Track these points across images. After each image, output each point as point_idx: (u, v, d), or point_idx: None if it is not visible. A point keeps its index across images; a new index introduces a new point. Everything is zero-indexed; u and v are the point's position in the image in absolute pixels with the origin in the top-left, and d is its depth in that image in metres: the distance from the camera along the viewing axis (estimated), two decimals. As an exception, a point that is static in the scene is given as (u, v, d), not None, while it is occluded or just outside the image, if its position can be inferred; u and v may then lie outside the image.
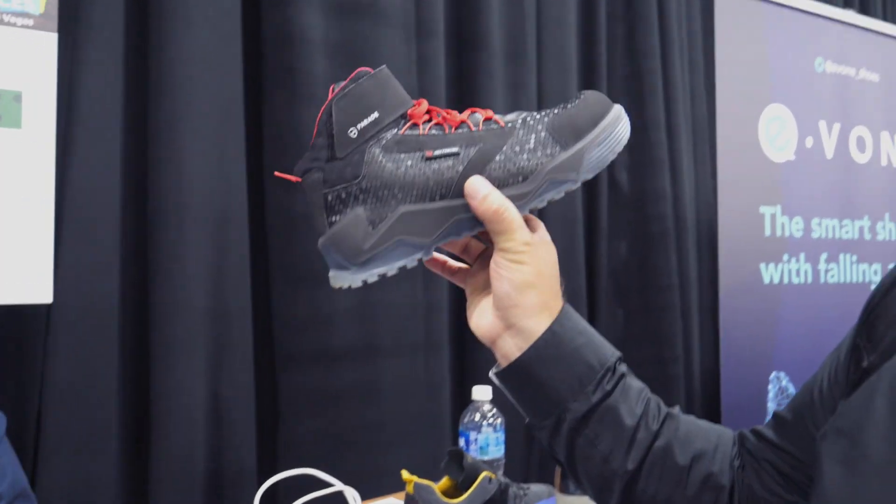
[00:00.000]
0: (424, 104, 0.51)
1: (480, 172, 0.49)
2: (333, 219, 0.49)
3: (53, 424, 0.92)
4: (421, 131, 0.50)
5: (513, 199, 0.48)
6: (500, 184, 0.49)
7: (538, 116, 0.50)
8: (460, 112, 0.52)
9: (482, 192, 0.47)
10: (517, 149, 0.49)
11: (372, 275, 0.49)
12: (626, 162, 1.59)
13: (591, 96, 0.51)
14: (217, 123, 1.05)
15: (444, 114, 0.51)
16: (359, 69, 0.49)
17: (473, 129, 0.50)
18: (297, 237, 1.11)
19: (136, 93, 1.02)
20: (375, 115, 0.49)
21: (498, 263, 0.48)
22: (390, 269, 0.49)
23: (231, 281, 1.05)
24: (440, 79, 1.24)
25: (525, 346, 0.48)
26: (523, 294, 0.48)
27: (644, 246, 1.63)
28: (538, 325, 0.48)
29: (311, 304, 1.11)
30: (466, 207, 0.49)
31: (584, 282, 1.50)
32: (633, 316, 1.63)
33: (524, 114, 0.51)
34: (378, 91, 0.50)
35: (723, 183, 1.50)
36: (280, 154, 1.11)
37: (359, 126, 0.49)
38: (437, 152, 0.49)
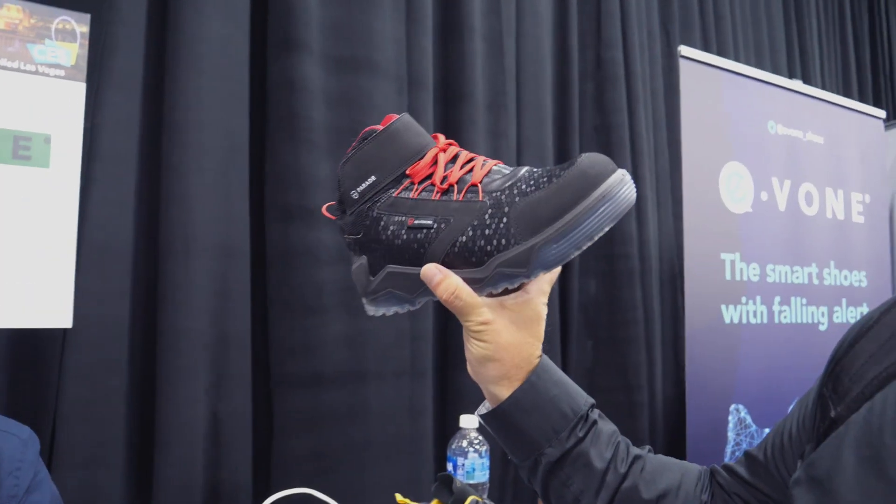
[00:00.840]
0: (429, 155, 0.50)
1: (446, 249, 0.48)
2: (353, 258, 0.52)
3: (66, 439, 0.96)
4: (412, 193, 0.50)
5: (469, 281, 0.48)
6: (459, 264, 0.48)
7: (515, 192, 0.47)
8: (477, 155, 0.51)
9: (434, 281, 0.47)
10: (479, 231, 0.47)
11: (379, 311, 0.51)
12: None
13: (586, 164, 0.46)
14: (223, 163, 1.09)
15: (443, 172, 0.50)
16: (366, 129, 0.50)
17: (456, 197, 0.49)
18: (293, 270, 1.14)
19: (150, 135, 1.07)
20: (372, 179, 0.50)
21: (464, 334, 0.49)
22: (388, 311, 0.51)
23: (232, 310, 1.08)
24: (429, 126, 1.31)
25: (495, 402, 0.50)
26: (483, 366, 0.49)
27: (612, 282, 1.67)
28: (500, 391, 0.49)
29: (305, 332, 1.15)
30: None
31: (558, 315, 1.54)
32: (601, 346, 1.67)
33: (510, 180, 0.48)
34: (379, 153, 0.50)
35: (688, 231, 1.57)
36: (281, 193, 1.15)
37: (359, 189, 0.50)
38: (417, 222, 0.49)
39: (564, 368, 1.38)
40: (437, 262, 0.48)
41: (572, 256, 0.45)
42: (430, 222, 0.48)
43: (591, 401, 0.51)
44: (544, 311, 0.49)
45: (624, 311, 1.67)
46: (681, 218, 1.60)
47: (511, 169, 0.49)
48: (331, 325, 1.15)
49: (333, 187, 0.85)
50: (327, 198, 0.85)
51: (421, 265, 0.48)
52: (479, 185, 0.48)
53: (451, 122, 1.37)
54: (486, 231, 0.47)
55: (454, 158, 0.51)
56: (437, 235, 0.48)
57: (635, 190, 0.45)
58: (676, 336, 1.76)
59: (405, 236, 0.49)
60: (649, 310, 1.71)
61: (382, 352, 1.21)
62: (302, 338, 1.14)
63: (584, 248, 0.45)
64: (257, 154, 1.16)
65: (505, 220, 0.46)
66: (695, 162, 1.59)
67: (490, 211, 0.47)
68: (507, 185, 0.48)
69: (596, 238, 0.44)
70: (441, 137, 0.52)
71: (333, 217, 0.52)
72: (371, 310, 0.51)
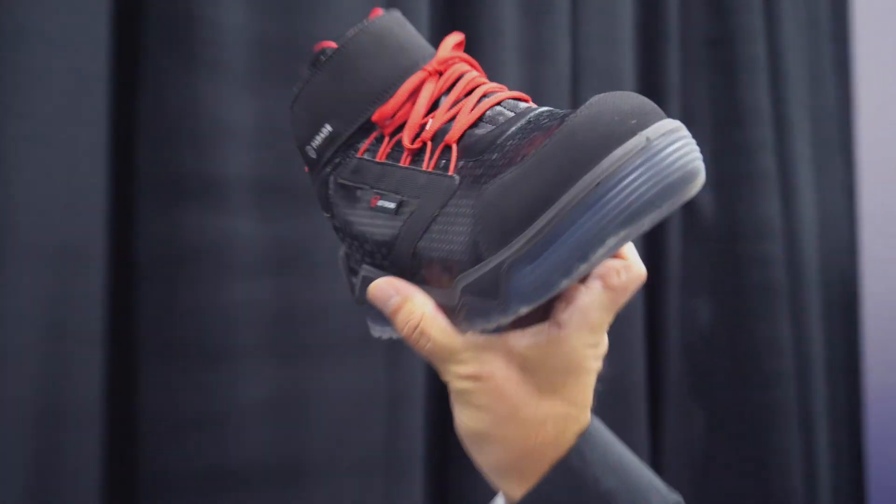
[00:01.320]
0: (406, 86, 0.45)
1: (412, 250, 0.42)
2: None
3: None
4: (380, 153, 0.46)
5: (443, 309, 0.42)
6: (430, 276, 0.42)
7: (494, 162, 0.39)
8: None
9: (389, 307, 0.43)
10: (442, 231, 0.41)
11: (385, 332, 0.48)
12: (709, 174, 1.46)
13: (583, 118, 0.36)
14: (63, 109, 0.92)
15: (420, 118, 0.44)
16: (319, 45, 0.47)
17: (427, 164, 0.43)
18: (184, 288, 0.97)
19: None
20: (328, 129, 0.47)
21: (454, 407, 0.44)
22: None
23: (71, 360, 0.90)
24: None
25: (509, 501, 0.43)
26: (478, 448, 0.43)
27: (739, 308, 1.48)
28: (510, 488, 0.42)
29: (205, 397, 0.98)
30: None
31: (643, 359, 1.34)
32: (720, 420, 1.48)
33: (498, 137, 0.41)
34: (336, 85, 0.46)
35: (869, 218, 1.42)
36: (164, 154, 0.98)
37: (314, 143, 0.48)
38: (379, 203, 0.45)
39: (654, 452, 1.29)
40: (401, 271, 0.43)
41: (561, 287, 0.37)
42: (392, 205, 0.44)
43: (675, 498, 0.44)
44: (592, 360, 0.42)
45: (760, 357, 1.46)
46: (856, 194, 1.51)
47: (516, 111, 0.42)
48: (249, 385, 0.98)
49: (260, 140, 0.89)
50: (248, 158, 0.89)
51: (386, 268, 0.45)
52: (454, 146, 0.42)
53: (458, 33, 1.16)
54: (449, 230, 0.41)
55: (450, 88, 0.46)
56: (401, 228, 0.43)
57: (695, 157, 0.36)
58: (851, 401, 1.60)
59: (368, 223, 0.45)
60: (805, 357, 1.51)
61: (339, 432, 1.04)
62: (199, 405, 0.97)
63: (576, 274, 0.36)
64: (123, 92, 0.99)
65: (470, 217, 0.39)
66: (882, 94, 1.42)
67: (456, 197, 0.41)
68: (487, 147, 0.41)
69: (598, 257, 0.35)
70: (443, 47, 0.47)
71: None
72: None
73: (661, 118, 0.36)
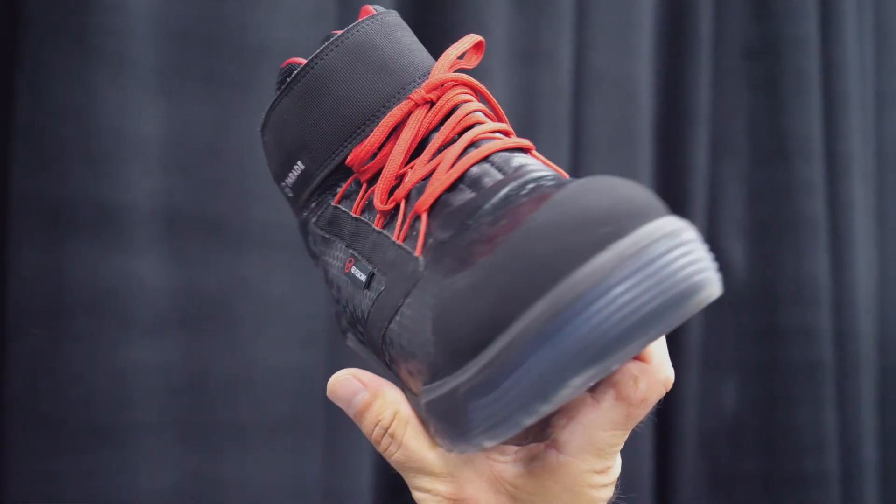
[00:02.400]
0: (387, 120, 0.46)
1: (381, 336, 0.44)
2: None
3: None
4: (356, 204, 0.47)
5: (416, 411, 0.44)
6: (400, 374, 0.44)
7: (460, 250, 0.40)
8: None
9: (354, 405, 0.45)
10: (399, 332, 0.43)
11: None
12: (743, 220, 1.49)
13: (556, 211, 0.36)
14: None
15: (396, 168, 0.46)
16: (286, 62, 0.49)
17: (397, 233, 0.45)
18: (66, 350, 0.94)
19: None
20: (300, 166, 0.49)
21: None
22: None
23: None
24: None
25: None
26: None
27: (771, 391, 1.51)
28: None
29: None
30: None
31: (651, 455, 1.35)
32: None
33: (474, 211, 0.42)
34: (304, 113, 0.47)
35: None
36: (46, 172, 0.97)
37: (288, 180, 0.49)
38: (353, 271, 0.47)
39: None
40: (377, 355, 0.46)
41: (524, 425, 0.37)
42: (363, 278, 0.46)
43: None
44: (600, 490, 0.42)
45: (798, 453, 1.48)
46: None
47: (514, 168, 0.44)
48: (149, 473, 0.97)
49: (173, 160, 0.92)
50: (156, 182, 0.90)
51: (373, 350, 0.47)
52: (424, 216, 0.44)
53: (430, 33, 1.15)
54: (413, 328, 0.41)
55: (441, 123, 0.46)
56: (370, 307, 0.45)
57: (699, 269, 0.35)
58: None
59: (344, 287, 0.48)
60: (853, 455, 1.52)
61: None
62: (82, 499, 0.95)
63: (541, 414, 0.37)
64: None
65: (429, 316, 0.40)
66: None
67: (420, 284, 0.42)
68: (456, 227, 0.42)
69: (562, 397, 0.36)
70: (452, 52, 0.48)
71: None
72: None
73: (653, 218, 0.35)
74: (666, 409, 1.40)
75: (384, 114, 0.47)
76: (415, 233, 0.43)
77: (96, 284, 0.96)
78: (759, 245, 1.51)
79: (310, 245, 0.51)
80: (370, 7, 0.50)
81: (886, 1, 1.66)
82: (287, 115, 0.48)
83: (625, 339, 0.34)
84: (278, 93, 0.49)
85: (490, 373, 0.36)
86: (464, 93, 0.47)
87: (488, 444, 0.38)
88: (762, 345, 1.51)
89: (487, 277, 0.36)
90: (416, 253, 0.42)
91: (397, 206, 0.45)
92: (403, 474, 0.44)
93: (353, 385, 0.45)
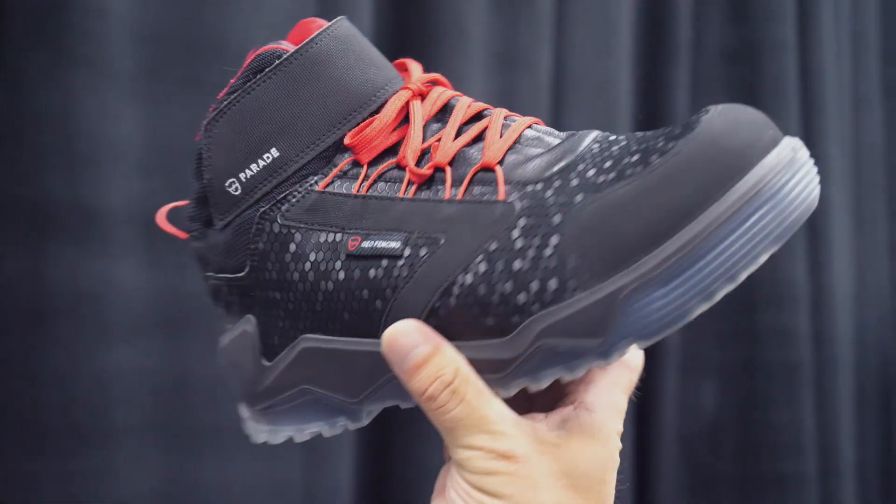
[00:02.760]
0: (392, 104, 0.48)
1: (430, 300, 0.44)
2: (225, 322, 0.51)
3: None
4: (357, 184, 0.47)
5: (482, 366, 0.44)
6: (459, 329, 0.44)
7: (575, 185, 0.43)
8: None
9: (413, 358, 0.43)
10: (502, 263, 0.43)
11: (273, 434, 0.50)
12: None
13: (718, 128, 0.41)
14: None
15: (421, 142, 0.47)
16: (264, 48, 0.49)
17: (449, 193, 0.46)
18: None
19: None
20: (273, 154, 0.48)
21: (454, 489, 0.44)
22: (301, 432, 0.49)
23: None
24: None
25: None
26: None
27: (750, 393, 1.51)
28: None
29: None
30: None
31: (630, 456, 1.36)
32: None
33: (562, 159, 0.44)
34: (288, 101, 0.48)
35: None
36: (24, 175, 0.96)
37: (244, 175, 0.48)
38: (367, 245, 0.46)
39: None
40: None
41: (691, 317, 0.41)
42: (396, 244, 0.45)
43: None
44: (617, 448, 0.46)
45: (776, 454, 1.49)
46: None
47: (563, 134, 0.47)
48: (129, 477, 0.97)
49: (152, 162, 0.92)
50: (136, 185, 0.90)
51: (375, 333, 0.46)
52: (498, 168, 0.45)
53: (409, 37, 1.20)
54: (517, 263, 0.43)
55: (443, 109, 0.49)
56: (411, 271, 0.45)
57: (818, 179, 0.42)
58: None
59: (342, 274, 0.47)
60: (831, 456, 1.54)
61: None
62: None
63: (718, 298, 0.40)
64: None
65: (555, 241, 0.42)
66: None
67: (524, 222, 0.43)
68: (556, 168, 0.44)
69: (742, 277, 0.40)
70: (414, 68, 0.51)
71: (184, 235, 0.52)
72: (262, 433, 0.50)
73: (780, 132, 0.42)
74: (645, 410, 1.41)
75: (378, 100, 0.48)
76: (479, 189, 0.45)
77: (76, 288, 0.95)
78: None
79: (255, 247, 0.49)
80: (315, 18, 0.51)
81: (863, 6, 1.67)
82: (267, 99, 0.48)
83: (800, 219, 0.40)
84: (248, 80, 0.49)
85: (673, 262, 0.40)
86: (448, 90, 0.50)
87: (634, 348, 0.41)
88: (741, 346, 1.51)
89: (662, 179, 0.40)
90: (500, 197, 0.44)
91: (436, 173, 0.46)
92: (453, 433, 0.44)
93: (415, 338, 0.44)
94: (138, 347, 0.97)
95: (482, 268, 0.43)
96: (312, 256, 0.47)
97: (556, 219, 0.42)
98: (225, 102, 0.49)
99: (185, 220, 0.51)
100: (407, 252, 0.45)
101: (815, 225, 1.53)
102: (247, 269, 0.49)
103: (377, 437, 1.14)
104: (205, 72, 0.96)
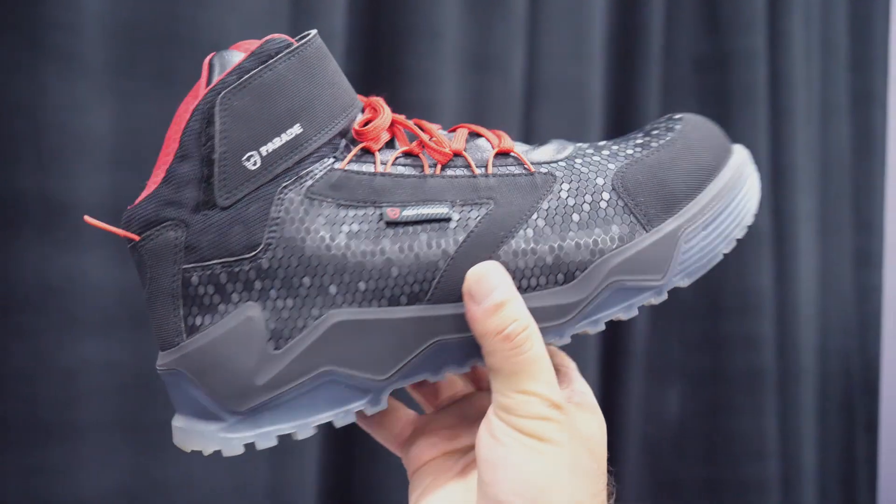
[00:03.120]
0: (385, 113, 0.52)
1: (491, 256, 0.49)
2: (198, 321, 0.48)
3: None
4: (378, 166, 0.50)
5: (543, 315, 0.49)
6: (521, 284, 0.49)
7: (593, 155, 0.53)
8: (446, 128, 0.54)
9: (496, 295, 0.47)
10: (558, 218, 0.50)
11: (264, 437, 0.48)
12: None
13: (695, 126, 0.55)
14: None
15: (425, 135, 0.52)
16: (272, 36, 0.50)
17: (477, 171, 0.51)
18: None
19: None
20: (297, 128, 0.49)
21: (496, 435, 0.46)
22: (302, 427, 0.48)
23: None
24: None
25: None
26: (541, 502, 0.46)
27: (714, 398, 1.51)
28: None
29: None
30: (457, 323, 0.49)
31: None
32: None
33: (567, 147, 0.53)
34: (305, 82, 0.49)
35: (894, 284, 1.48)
36: None
37: (265, 149, 0.48)
38: (410, 212, 0.49)
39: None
40: (440, 297, 0.49)
41: (718, 260, 0.53)
42: (444, 210, 0.49)
43: None
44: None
45: (739, 459, 1.49)
46: (874, 262, 1.57)
47: (540, 144, 0.55)
48: (94, 472, 0.96)
49: (122, 156, 0.92)
50: (105, 179, 0.90)
51: (419, 302, 0.49)
52: (516, 153, 0.52)
53: (383, 39, 1.20)
54: (575, 216, 0.50)
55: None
56: (467, 231, 0.49)
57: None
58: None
59: (385, 242, 0.49)
60: (793, 462, 1.54)
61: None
62: (26, 499, 0.95)
63: (734, 243, 0.53)
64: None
65: (606, 196, 0.51)
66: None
67: (567, 186, 0.51)
68: (564, 154, 0.53)
69: (750, 222, 0.53)
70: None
71: (133, 236, 0.51)
72: (240, 441, 0.48)
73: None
74: (610, 415, 1.38)
75: (358, 104, 0.52)
76: (509, 168, 0.52)
77: (43, 281, 0.95)
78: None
79: (278, 222, 0.49)
80: (275, 36, 0.52)
81: (832, 17, 1.68)
82: (291, 77, 0.49)
83: (742, 230, 0.53)
84: (267, 58, 0.49)
85: (712, 208, 0.52)
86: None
87: (683, 284, 0.52)
88: (706, 353, 1.52)
89: (687, 147, 0.53)
90: (530, 171, 0.52)
91: (454, 158, 0.51)
92: (514, 377, 0.47)
93: (500, 278, 0.48)
94: (104, 341, 0.97)
95: (541, 223, 0.50)
96: (346, 228, 0.48)
97: (600, 181, 0.51)
98: (248, 74, 0.48)
99: (135, 220, 0.50)
100: (456, 216, 0.49)
101: (781, 233, 1.55)
102: (261, 247, 0.48)
103: (342, 436, 1.13)
104: (177, 66, 0.95)
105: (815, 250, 1.63)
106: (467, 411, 0.55)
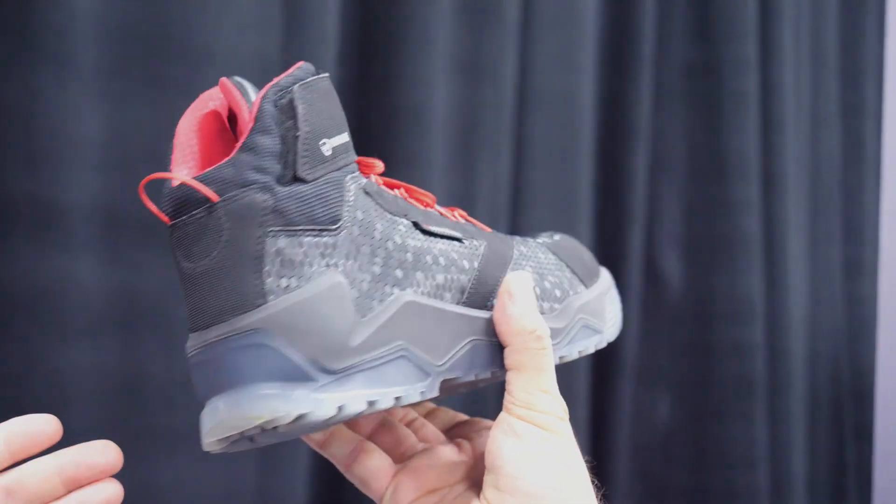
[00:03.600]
0: (380, 165, 0.57)
1: (499, 277, 0.58)
2: (283, 282, 0.49)
3: None
4: (392, 192, 0.56)
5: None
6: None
7: (523, 238, 0.64)
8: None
9: (532, 298, 0.55)
10: (533, 263, 0.61)
11: (355, 399, 0.49)
12: (680, 237, 1.50)
13: (568, 242, 0.68)
14: None
15: (405, 187, 0.58)
16: (301, 63, 0.53)
17: (454, 219, 0.59)
18: None
19: None
20: (346, 136, 0.53)
21: (518, 432, 0.52)
22: (384, 397, 0.50)
23: None
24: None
25: None
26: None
27: (703, 405, 1.51)
28: None
29: None
30: (488, 328, 0.55)
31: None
32: None
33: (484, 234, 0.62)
34: (336, 104, 0.54)
35: (889, 301, 1.42)
36: None
37: (333, 142, 0.52)
38: (436, 229, 0.55)
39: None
40: (474, 303, 0.56)
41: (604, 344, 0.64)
42: (458, 234, 0.57)
43: None
44: None
45: (728, 467, 1.49)
46: (865, 271, 1.56)
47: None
48: None
49: (114, 159, 0.92)
50: (96, 182, 0.90)
51: (460, 302, 0.55)
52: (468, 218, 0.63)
53: (374, 47, 1.19)
54: (543, 264, 0.62)
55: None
56: (479, 256, 0.57)
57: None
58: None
59: (431, 245, 0.55)
60: (783, 470, 1.53)
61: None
62: None
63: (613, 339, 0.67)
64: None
65: (552, 255, 0.63)
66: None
67: (520, 249, 0.61)
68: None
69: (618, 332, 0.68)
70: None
71: (213, 196, 0.49)
72: (331, 403, 0.48)
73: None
74: (599, 422, 1.41)
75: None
76: (465, 222, 0.61)
77: (33, 284, 0.94)
78: (696, 261, 1.50)
79: (345, 200, 0.52)
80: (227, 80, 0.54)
81: (823, 27, 1.68)
82: (333, 96, 0.53)
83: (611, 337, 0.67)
84: (319, 76, 0.53)
85: (609, 289, 0.67)
86: None
87: (610, 338, 0.66)
88: (696, 360, 1.51)
89: (568, 246, 0.66)
90: (487, 229, 0.62)
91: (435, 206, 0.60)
92: (539, 375, 0.55)
93: (532, 285, 0.57)
94: (94, 345, 0.96)
95: (523, 263, 0.61)
96: (401, 227, 0.54)
97: (535, 246, 0.63)
98: (315, 78, 0.52)
99: (217, 181, 0.49)
100: (467, 242, 0.57)
101: (771, 242, 1.55)
102: (342, 222, 0.51)
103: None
104: (169, 69, 0.95)
105: (805, 259, 1.63)
106: (432, 462, 0.60)
